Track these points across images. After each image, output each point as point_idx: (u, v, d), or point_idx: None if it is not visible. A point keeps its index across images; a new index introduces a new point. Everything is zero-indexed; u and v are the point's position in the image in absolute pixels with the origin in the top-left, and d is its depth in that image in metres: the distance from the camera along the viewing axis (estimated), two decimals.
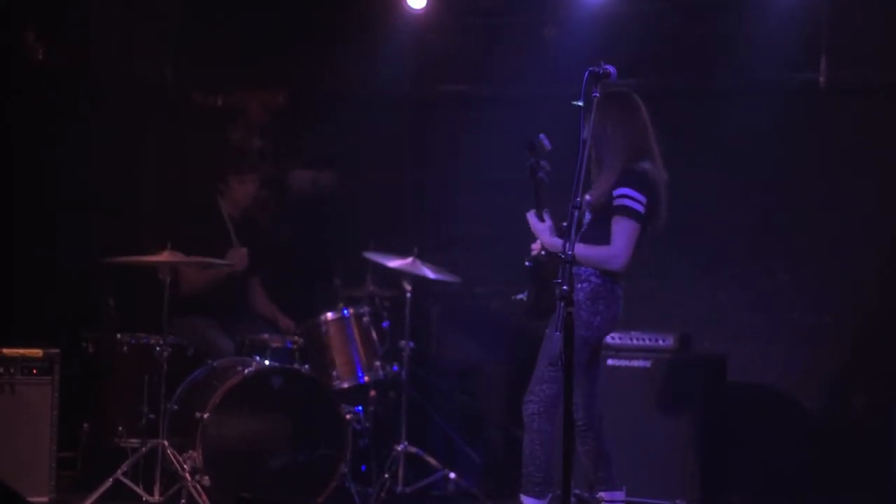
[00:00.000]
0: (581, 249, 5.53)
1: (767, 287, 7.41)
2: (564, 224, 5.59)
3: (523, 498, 5.54)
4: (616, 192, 5.50)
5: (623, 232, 5.48)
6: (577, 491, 6.56)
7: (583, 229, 5.60)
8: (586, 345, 5.50)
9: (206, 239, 7.12)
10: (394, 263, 7.21)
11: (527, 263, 5.67)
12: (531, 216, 5.63)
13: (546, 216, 5.60)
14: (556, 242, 5.54)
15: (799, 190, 7.32)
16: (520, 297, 5.67)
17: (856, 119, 7.20)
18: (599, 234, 5.53)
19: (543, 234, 5.58)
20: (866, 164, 7.18)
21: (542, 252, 5.60)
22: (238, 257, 7.26)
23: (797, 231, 7.34)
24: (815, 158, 7.28)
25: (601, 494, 5.64)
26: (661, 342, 6.83)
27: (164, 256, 6.41)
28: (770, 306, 7.38)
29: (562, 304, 4.63)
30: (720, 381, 6.93)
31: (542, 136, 5.53)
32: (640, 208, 5.48)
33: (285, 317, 7.53)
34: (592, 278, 5.53)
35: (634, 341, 6.86)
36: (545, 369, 5.50)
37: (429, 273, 7.22)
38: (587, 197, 5.59)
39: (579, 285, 5.50)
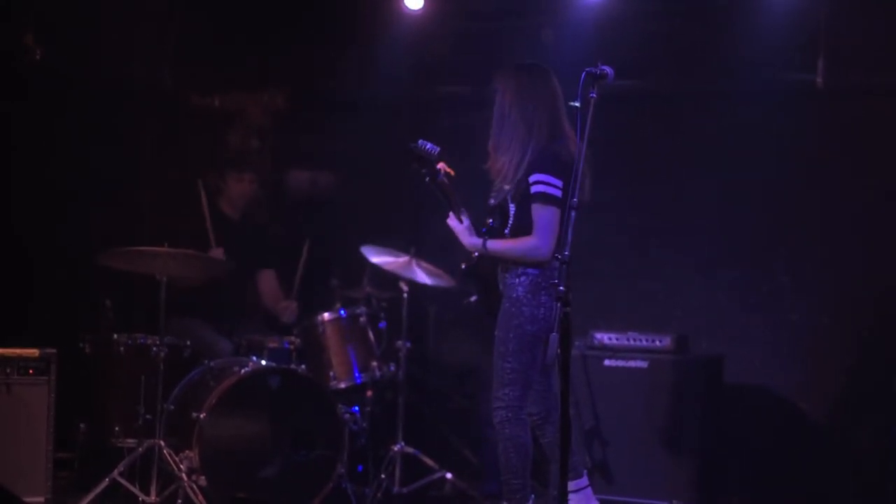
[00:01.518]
0: (499, 245, 5.50)
1: (766, 288, 7.41)
2: (490, 221, 5.60)
3: None
4: (532, 179, 5.40)
5: (543, 219, 5.37)
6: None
7: (510, 222, 5.56)
8: (535, 339, 5.39)
9: (211, 238, 7.15)
10: (389, 264, 7.21)
11: (462, 266, 5.68)
12: (451, 220, 5.60)
13: (464, 216, 5.57)
14: (474, 242, 5.52)
15: (797, 191, 7.31)
16: (472, 299, 5.69)
17: (853, 121, 7.20)
18: (526, 224, 5.45)
19: (462, 235, 5.58)
20: (864, 165, 7.18)
21: (475, 254, 5.60)
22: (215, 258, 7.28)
23: (796, 233, 7.34)
24: (813, 160, 7.27)
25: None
26: (658, 343, 6.83)
27: (161, 251, 6.41)
28: (768, 308, 7.38)
29: (559, 304, 4.61)
30: (718, 382, 6.94)
31: (420, 141, 5.51)
32: (558, 192, 5.36)
33: (289, 301, 7.51)
34: (529, 271, 5.42)
35: (632, 342, 6.87)
36: (503, 372, 5.47)
37: (424, 279, 7.22)
38: (505, 187, 5.51)
39: (517, 280, 5.44)
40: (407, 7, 7.69)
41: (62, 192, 7.46)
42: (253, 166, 7.73)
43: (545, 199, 5.37)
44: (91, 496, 6.17)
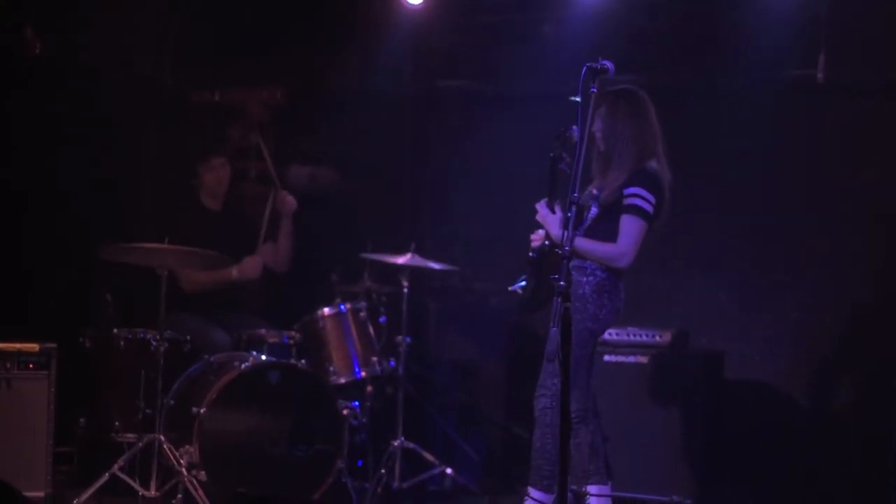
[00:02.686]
0: (587, 244, 5.59)
1: (766, 285, 7.40)
2: (569, 215, 5.61)
3: (531, 490, 5.55)
4: (627, 191, 5.55)
5: (631, 231, 5.54)
6: (573, 487, 6.56)
7: (587, 223, 5.63)
8: (592, 337, 5.58)
9: (193, 234, 7.13)
10: (395, 260, 7.21)
11: (531, 254, 5.68)
12: (542, 206, 5.64)
13: (557, 208, 5.61)
14: (564, 235, 5.54)
15: (798, 188, 7.31)
16: (515, 287, 5.68)
17: (854, 117, 7.19)
18: (604, 228, 5.58)
19: (553, 225, 5.59)
20: (865, 161, 7.17)
21: (546, 243, 5.61)
22: (251, 268, 7.30)
23: (796, 230, 7.33)
24: (814, 156, 7.27)
25: (588, 487, 5.64)
26: (658, 339, 6.83)
27: (160, 246, 6.40)
28: (769, 305, 7.37)
29: (559, 299, 4.62)
30: (718, 378, 6.93)
31: (574, 127, 5.52)
32: (650, 208, 5.55)
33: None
34: (598, 272, 5.57)
35: (632, 337, 6.86)
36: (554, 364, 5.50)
37: (432, 264, 7.22)
38: (594, 191, 5.62)
39: (584, 279, 5.55)
40: (407, 2, 7.68)
41: (63, 186, 7.46)
42: (218, 150, 7.67)
43: (637, 211, 5.53)
44: (91, 490, 6.16)
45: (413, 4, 7.68)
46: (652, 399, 6.72)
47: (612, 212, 5.60)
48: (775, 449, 7.16)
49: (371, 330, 7.25)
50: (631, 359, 6.79)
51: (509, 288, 5.74)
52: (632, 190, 5.54)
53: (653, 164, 5.62)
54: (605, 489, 5.66)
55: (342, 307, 7.21)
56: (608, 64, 4.94)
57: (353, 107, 8.13)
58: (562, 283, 4.62)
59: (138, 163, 8.12)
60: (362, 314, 7.23)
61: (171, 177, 7.94)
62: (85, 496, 6.15)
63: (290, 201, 7.56)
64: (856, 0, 7.05)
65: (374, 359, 7.18)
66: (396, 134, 8.30)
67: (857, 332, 7.16)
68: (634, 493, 6.64)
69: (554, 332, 4.58)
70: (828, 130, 7.25)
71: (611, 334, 6.86)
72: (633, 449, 6.65)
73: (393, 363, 7.23)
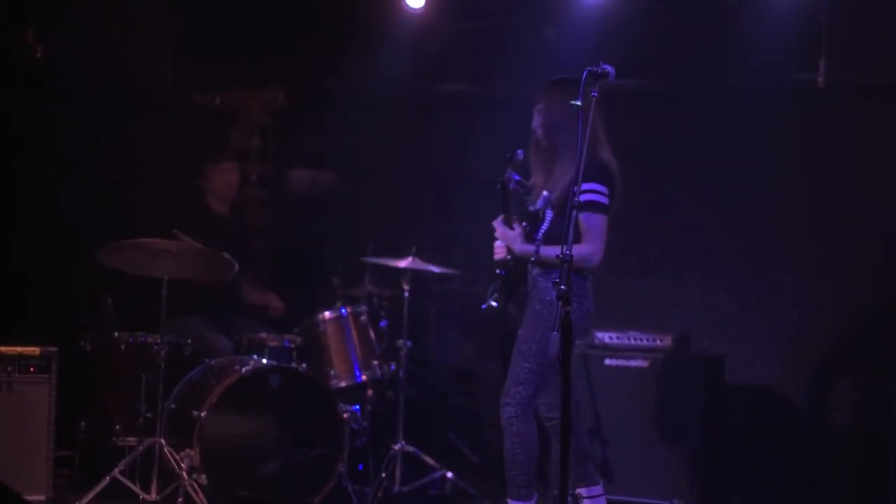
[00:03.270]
0: (554, 251, 5.50)
1: (766, 288, 7.40)
2: (525, 224, 5.61)
3: (510, 502, 5.53)
4: (583, 187, 5.36)
5: (594, 228, 5.46)
6: (556, 491, 6.55)
7: (545, 227, 5.58)
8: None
9: (201, 238, 7.13)
10: (395, 264, 7.20)
11: (498, 271, 5.68)
12: (499, 224, 5.62)
13: (516, 224, 5.58)
14: (528, 249, 5.54)
15: (798, 190, 7.31)
16: (491, 303, 5.69)
17: (855, 120, 7.19)
18: (560, 231, 5.45)
19: (515, 241, 5.58)
20: (866, 164, 7.17)
21: (508, 258, 5.61)
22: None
23: (797, 231, 7.33)
24: (815, 159, 7.27)
25: (579, 491, 5.63)
26: (659, 342, 6.83)
27: (162, 242, 6.41)
28: (769, 307, 7.37)
29: (559, 303, 4.62)
30: (719, 381, 6.93)
31: (520, 151, 5.53)
32: (606, 200, 5.46)
33: (277, 299, 7.54)
34: None
35: (632, 341, 6.86)
36: (520, 370, 5.50)
37: (431, 267, 7.22)
38: (545, 193, 5.56)
39: (550, 284, 5.46)
40: (408, 5, 7.68)
41: (63, 188, 7.46)
42: (229, 155, 7.70)
43: (596, 207, 5.45)
44: (92, 494, 6.16)
45: (414, 8, 7.68)
46: (653, 402, 6.72)
47: (565, 212, 5.43)
48: (776, 451, 7.16)
49: (372, 333, 7.25)
50: (632, 363, 6.79)
51: (483, 306, 5.75)
52: (585, 186, 5.38)
53: (601, 154, 5.51)
54: (597, 490, 5.64)
55: (343, 311, 7.21)
56: (608, 68, 4.93)
57: (353, 110, 8.13)
58: (562, 286, 4.62)
59: (139, 165, 8.12)
60: (363, 318, 7.23)
61: (173, 179, 7.94)
62: (86, 500, 6.15)
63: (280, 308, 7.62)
64: (856, 4, 7.04)
65: (375, 362, 7.18)
66: (397, 137, 8.30)
67: (858, 333, 7.16)
68: (635, 496, 6.64)
69: (555, 336, 4.57)
70: (828, 133, 7.25)
71: (611, 338, 6.87)
72: (634, 452, 6.66)
73: (393, 367, 7.23)
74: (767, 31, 7.11)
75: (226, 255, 6.57)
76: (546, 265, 5.54)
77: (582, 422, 5.70)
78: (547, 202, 5.56)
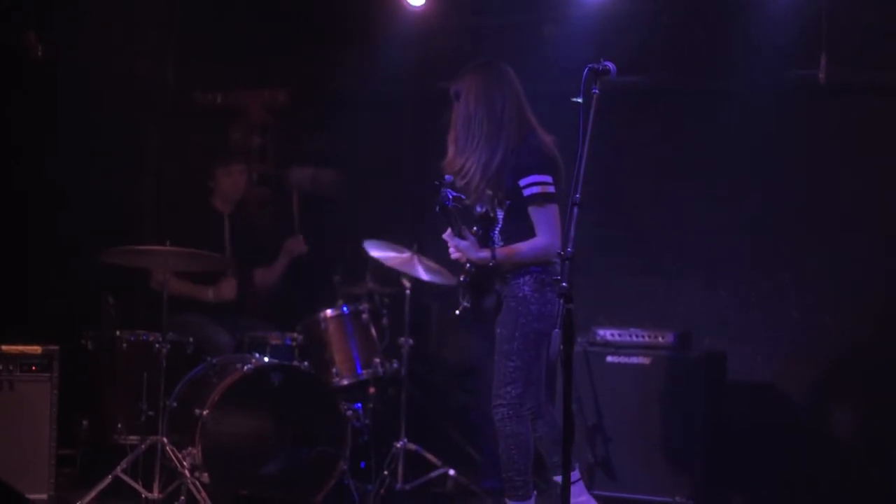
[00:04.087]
0: (509, 252, 5.50)
1: (768, 286, 7.40)
2: (476, 229, 5.59)
3: (508, 502, 5.53)
4: (523, 182, 5.43)
5: (546, 220, 5.42)
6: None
7: (499, 227, 5.56)
8: (540, 336, 5.43)
9: (204, 237, 7.14)
10: (391, 260, 7.21)
11: (462, 279, 5.67)
12: (449, 237, 5.55)
13: (466, 233, 5.55)
14: (483, 255, 5.50)
15: (799, 188, 7.31)
16: (464, 304, 5.69)
17: (856, 117, 7.19)
18: (517, 225, 5.48)
19: (470, 251, 5.53)
20: (867, 162, 7.18)
21: (468, 265, 5.59)
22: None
23: (798, 230, 7.33)
24: (815, 156, 7.27)
25: (556, 479, 5.62)
26: (660, 339, 6.83)
27: (161, 248, 6.41)
28: (770, 305, 7.38)
29: (562, 301, 4.61)
30: (720, 379, 6.93)
31: (448, 176, 5.47)
32: (552, 189, 5.42)
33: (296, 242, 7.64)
34: (533, 269, 5.47)
35: (634, 338, 6.86)
36: (506, 370, 5.49)
37: (425, 276, 7.21)
38: (487, 192, 5.52)
39: (522, 279, 5.47)
40: (409, 4, 7.69)
41: (64, 188, 7.46)
42: (239, 157, 7.72)
43: (543, 198, 5.42)
44: (94, 493, 6.17)
45: (414, 6, 7.69)
46: (654, 400, 6.71)
47: (517, 208, 5.46)
48: (777, 449, 7.16)
49: (373, 331, 7.26)
50: (633, 360, 6.79)
51: (456, 312, 5.76)
52: (527, 180, 5.41)
53: (536, 141, 5.48)
54: (574, 475, 5.61)
55: (344, 309, 7.22)
56: (610, 65, 4.93)
57: (354, 108, 8.14)
58: (564, 283, 4.61)
59: (141, 164, 8.13)
60: (364, 316, 7.24)
61: (175, 178, 7.95)
62: (87, 498, 6.15)
63: (302, 247, 7.60)
64: (856, 1, 7.04)
65: (377, 360, 7.19)
66: (398, 135, 8.30)
67: (860, 332, 7.15)
68: (636, 494, 6.64)
69: (556, 334, 4.57)
70: (829, 131, 7.25)
71: (613, 335, 6.87)
72: (635, 450, 6.66)
73: (395, 364, 7.23)
74: (768, 28, 7.11)
75: (223, 255, 6.59)
76: (513, 265, 5.52)
77: (556, 410, 5.68)
78: (491, 202, 5.52)
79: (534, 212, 5.44)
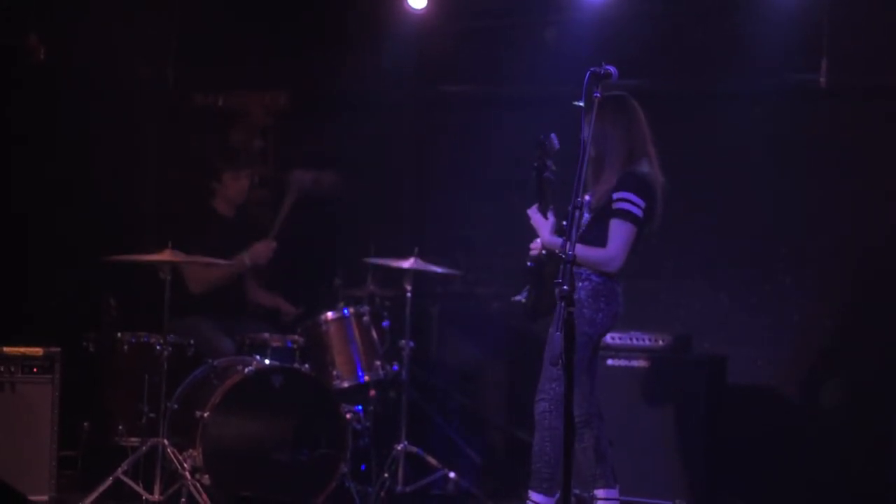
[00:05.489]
0: (579, 250, 5.56)
1: (769, 289, 7.41)
2: (565, 223, 5.63)
3: (532, 494, 5.55)
4: (616, 196, 5.55)
5: (620, 235, 5.54)
6: (576, 491, 6.56)
7: (581, 230, 5.62)
8: (590, 341, 5.57)
9: (206, 239, 7.14)
10: (398, 264, 7.21)
11: (528, 264, 5.71)
12: (534, 212, 5.68)
13: (550, 214, 5.64)
14: (555, 241, 5.59)
15: (800, 191, 7.32)
16: (518, 298, 5.70)
17: (857, 121, 7.20)
18: (598, 234, 5.58)
19: (544, 230, 5.64)
20: (868, 165, 7.19)
21: (543, 252, 5.64)
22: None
23: (799, 233, 7.34)
24: (816, 160, 7.28)
25: (597, 492, 5.66)
26: (661, 343, 6.84)
27: (166, 255, 6.41)
28: (771, 308, 7.38)
29: (562, 303, 4.62)
30: (720, 382, 6.93)
31: (552, 135, 5.59)
32: (639, 212, 5.54)
33: (287, 303, 7.56)
34: (593, 277, 5.59)
35: (634, 341, 6.87)
36: (552, 368, 5.53)
37: (435, 267, 7.23)
38: (587, 197, 5.62)
39: (580, 284, 5.56)
40: (410, 6, 7.70)
41: (65, 189, 7.46)
42: (249, 163, 7.73)
43: (626, 215, 5.52)
44: (95, 495, 6.16)
45: (416, 9, 7.69)
46: (654, 403, 6.72)
47: (602, 217, 5.59)
48: (777, 452, 7.17)
49: (374, 334, 7.26)
50: (633, 363, 6.79)
51: (513, 298, 5.76)
52: (621, 194, 5.54)
53: (643, 167, 5.62)
54: (613, 493, 5.69)
55: (345, 311, 7.22)
56: (611, 68, 4.94)
57: (356, 111, 8.14)
58: (565, 286, 4.62)
59: (142, 167, 8.13)
60: (365, 318, 7.24)
61: (176, 180, 7.95)
62: (89, 500, 6.15)
63: (268, 254, 7.48)
64: (858, 5, 7.05)
65: (378, 363, 7.19)
66: (399, 138, 8.30)
67: (860, 335, 7.16)
68: (636, 496, 6.63)
69: (557, 337, 4.58)
70: (830, 134, 7.26)
71: (613, 338, 6.87)
72: (636, 453, 6.66)
73: (396, 367, 7.23)
74: (769, 32, 7.12)
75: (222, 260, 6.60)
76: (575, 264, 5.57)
77: (604, 424, 5.71)
78: (587, 205, 5.61)
79: (613, 224, 5.54)
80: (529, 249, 5.72)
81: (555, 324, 4.69)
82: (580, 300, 5.54)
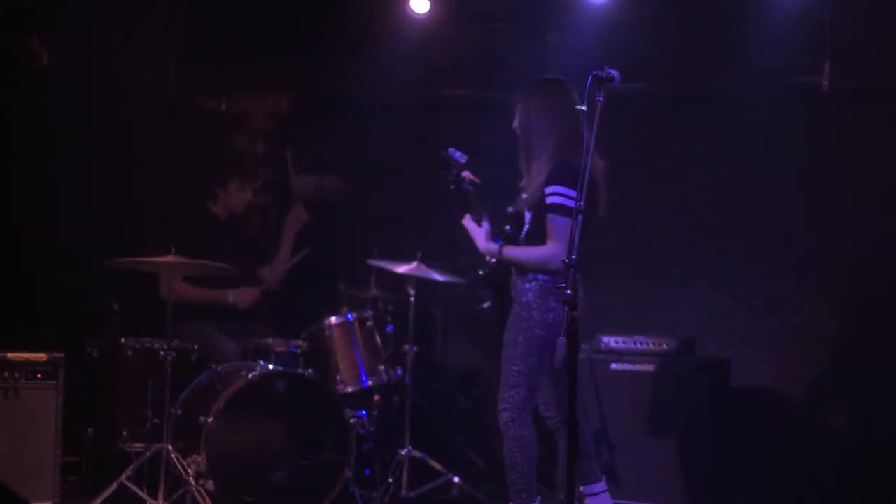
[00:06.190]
0: (515, 252, 5.56)
1: (772, 291, 7.41)
2: (508, 228, 5.64)
3: None
4: (548, 190, 5.46)
5: (557, 230, 5.43)
6: (562, 496, 6.56)
7: (526, 228, 5.60)
8: (545, 344, 5.44)
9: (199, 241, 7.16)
10: (400, 269, 7.22)
11: (480, 272, 5.71)
12: (468, 221, 5.68)
13: (485, 221, 5.61)
14: (491, 247, 5.59)
15: (803, 194, 7.32)
16: (485, 305, 5.72)
17: (859, 123, 7.20)
18: (540, 230, 5.52)
19: (479, 238, 5.64)
20: (870, 168, 7.19)
21: (493, 260, 5.64)
22: (248, 297, 7.36)
23: (801, 235, 7.34)
24: (819, 162, 7.28)
25: (582, 488, 5.66)
26: (664, 346, 6.83)
27: (169, 259, 6.41)
28: (774, 311, 7.38)
29: (566, 308, 4.62)
30: (724, 385, 6.93)
31: (450, 149, 5.59)
32: (572, 203, 5.28)
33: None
34: (539, 276, 5.50)
35: (638, 345, 6.86)
36: (510, 374, 5.52)
37: (436, 276, 7.24)
38: (523, 195, 5.58)
39: (527, 285, 5.51)
40: (413, 10, 7.70)
41: (67, 194, 7.47)
42: (256, 172, 7.75)
43: (560, 210, 5.43)
44: (99, 500, 6.17)
45: (418, 13, 7.70)
46: (658, 407, 6.72)
47: (540, 212, 5.51)
48: (781, 455, 7.17)
49: (378, 339, 7.26)
50: (637, 367, 6.79)
51: (480, 306, 5.79)
52: (551, 188, 5.43)
53: (575, 157, 5.39)
54: (599, 486, 5.66)
55: (349, 316, 7.22)
56: (614, 72, 4.94)
57: (358, 115, 8.14)
58: (568, 291, 4.62)
59: (143, 171, 8.13)
60: (369, 323, 7.24)
61: (178, 184, 7.95)
62: None
63: (303, 214, 7.61)
64: (860, 8, 7.05)
65: (381, 367, 7.19)
66: (402, 142, 8.30)
67: (863, 337, 7.16)
68: (640, 500, 6.64)
69: (561, 341, 4.58)
70: (832, 137, 7.26)
71: (617, 342, 6.87)
72: (639, 457, 6.66)
73: (400, 372, 7.24)
74: (772, 36, 7.13)
75: (222, 264, 6.61)
76: (516, 266, 5.57)
77: (585, 419, 5.70)
78: (525, 203, 5.58)
79: (550, 220, 5.46)
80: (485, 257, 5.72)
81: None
82: (528, 303, 5.48)
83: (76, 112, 7.46)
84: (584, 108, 4.92)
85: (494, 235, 5.67)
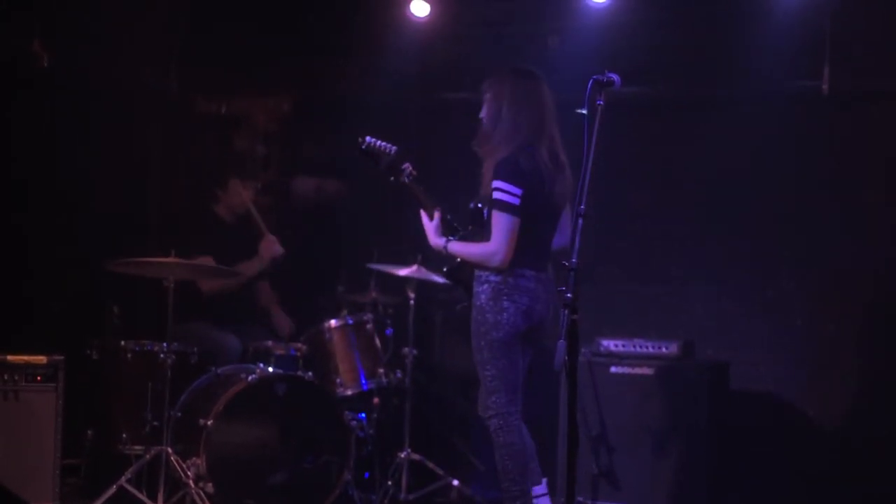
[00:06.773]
0: (459, 248, 5.51)
1: (771, 295, 7.41)
2: (470, 227, 5.60)
3: None
4: (493, 185, 5.41)
5: (498, 227, 5.37)
6: (580, 498, 6.58)
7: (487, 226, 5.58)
8: (503, 346, 5.41)
9: (208, 243, 7.16)
10: (401, 272, 7.22)
11: (444, 269, 5.68)
12: (423, 215, 5.63)
13: (437, 214, 5.58)
14: (438, 242, 5.54)
15: (802, 197, 7.32)
16: (461, 306, 5.69)
17: (859, 126, 7.21)
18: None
19: (430, 232, 5.60)
20: (870, 171, 7.19)
21: (458, 259, 5.60)
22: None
23: (801, 238, 7.34)
24: (819, 166, 7.28)
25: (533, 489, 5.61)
26: (664, 349, 6.83)
27: (170, 262, 6.42)
28: (774, 314, 7.38)
29: (566, 311, 4.62)
30: (723, 388, 6.93)
31: (368, 139, 5.58)
32: (514, 200, 5.36)
33: (284, 315, 7.55)
34: (491, 277, 5.44)
35: (637, 349, 6.86)
36: (485, 381, 5.49)
37: (436, 279, 7.23)
38: (482, 192, 5.52)
39: (480, 288, 5.46)
40: (413, 14, 7.71)
41: (69, 196, 7.47)
42: (255, 172, 7.75)
43: (502, 206, 5.37)
44: (98, 503, 6.17)
45: (419, 16, 7.70)
46: (658, 410, 6.71)
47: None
48: (781, 458, 7.16)
49: (377, 342, 7.26)
50: (636, 370, 6.78)
51: (457, 307, 5.76)
52: (494, 184, 5.38)
53: (528, 150, 5.42)
54: (540, 489, 5.57)
55: (348, 319, 7.22)
56: (614, 76, 4.94)
57: (358, 118, 8.13)
58: (568, 294, 4.62)
59: (145, 172, 8.14)
60: (368, 326, 7.24)
61: (179, 186, 7.96)
62: None
63: (277, 248, 7.53)
64: (860, 11, 7.05)
65: (381, 370, 7.19)
66: (402, 145, 8.29)
67: (863, 340, 7.16)
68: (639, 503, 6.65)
69: (561, 344, 4.57)
70: (832, 141, 7.27)
71: (617, 346, 6.87)
72: (639, 460, 6.66)
73: (399, 375, 7.24)
74: (771, 39, 7.12)
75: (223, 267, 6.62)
76: (472, 265, 5.52)
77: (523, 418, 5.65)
78: (483, 198, 5.52)
79: (493, 216, 5.41)
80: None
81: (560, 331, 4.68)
82: (481, 306, 5.43)
83: (77, 113, 7.46)
84: (584, 111, 4.91)
85: (451, 230, 5.60)
